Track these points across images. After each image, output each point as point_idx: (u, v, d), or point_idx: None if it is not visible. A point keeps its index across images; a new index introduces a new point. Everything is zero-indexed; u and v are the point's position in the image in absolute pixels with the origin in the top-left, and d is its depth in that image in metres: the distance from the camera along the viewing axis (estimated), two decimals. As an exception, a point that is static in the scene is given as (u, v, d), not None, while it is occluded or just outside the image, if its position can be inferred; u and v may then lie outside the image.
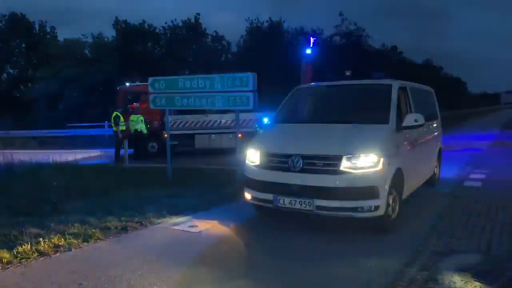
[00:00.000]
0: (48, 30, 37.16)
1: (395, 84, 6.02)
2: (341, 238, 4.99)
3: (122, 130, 12.99)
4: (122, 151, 12.72)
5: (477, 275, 3.85)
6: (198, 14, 36.61)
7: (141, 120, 13.44)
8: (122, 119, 13.07)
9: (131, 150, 13.43)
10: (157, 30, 36.17)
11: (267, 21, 37.25)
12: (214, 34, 37.23)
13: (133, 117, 13.40)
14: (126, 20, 34.96)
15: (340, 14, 35.32)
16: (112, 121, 13.18)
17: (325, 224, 5.37)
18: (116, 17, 34.77)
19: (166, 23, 36.06)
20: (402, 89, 6.19)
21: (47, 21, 36.99)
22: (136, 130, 13.35)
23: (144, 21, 35.57)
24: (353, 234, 5.09)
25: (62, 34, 37.97)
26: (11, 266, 4.21)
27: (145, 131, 13.53)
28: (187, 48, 33.93)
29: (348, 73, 6.63)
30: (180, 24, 36.23)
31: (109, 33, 35.62)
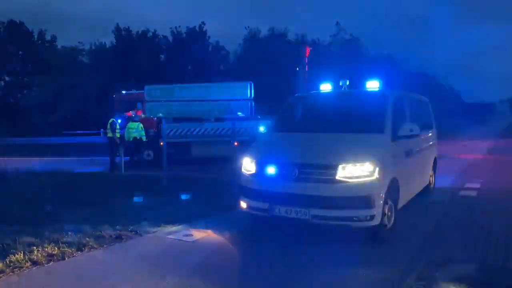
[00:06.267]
0: (49, 38, 37.28)
1: (391, 94, 6.05)
2: (337, 247, 4.98)
3: (118, 137, 12.94)
4: (117, 159, 12.68)
5: (473, 285, 3.84)
6: (204, 23, 36.74)
7: (141, 128, 13.44)
8: (118, 126, 13.04)
9: (127, 158, 13.39)
10: (158, 39, 36.27)
11: (269, 30, 37.47)
12: (214, 43, 37.47)
13: (132, 124, 13.37)
14: (128, 27, 35.13)
15: (337, 24, 35.65)
16: (109, 127, 13.15)
17: (320, 233, 5.36)
18: (117, 24, 34.90)
19: (171, 28, 36.17)
20: (398, 98, 6.23)
21: (47, 29, 37.14)
22: (135, 138, 13.33)
23: (148, 29, 35.73)
24: (349, 244, 5.08)
25: (62, 42, 38.05)
26: (4, 275, 4.15)
27: (144, 138, 13.53)
28: (189, 57, 34.04)
29: (343, 82, 6.67)
30: (184, 32, 36.33)
31: (108, 40, 35.74)
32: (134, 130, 13.28)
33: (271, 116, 6.85)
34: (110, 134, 13.09)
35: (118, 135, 13.00)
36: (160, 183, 9.15)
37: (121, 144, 12.66)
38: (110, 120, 13.10)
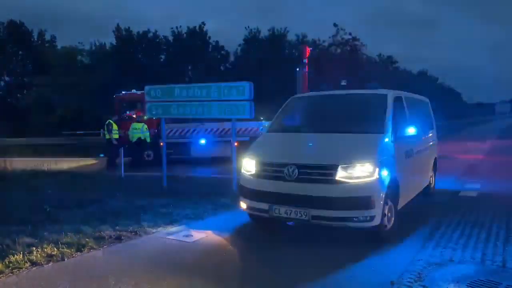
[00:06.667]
0: (48, 38, 37.27)
1: (391, 94, 6.05)
2: (337, 248, 4.97)
3: (116, 138, 12.91)
4: (117, 159, 12.69)
5: (472, 286, 3.84)
6: (204, 23, 36.72)
7: (146, 129, 13.45)
8: (115, 126, 13.02)
9: (129, 158, 13.39)
10: (159, 39, 36.22)
11: (269, 30, 37.45)
12: (214, 43, 37.46)
13: (136, 125, 13.37)
14: (129, 28, 35.10)
15: (335, 25, 35.64)
16: (105, 128, 13.17)
17: (320, 234, 5.36)
18: (118, 24, 34.88)
19: (172, 28, 36.14)
20: (398, 98, 6.22)
21: (46, 29, 37.13)
22: (139, 138, 13.33)
23: (149, 30, 35.73)
24: (349, 244, 5.07)
25: (61, 42, 38.02)
26: (3, 276, 4.15)
27: (148, 139, 13.54)
28: (189, 57, 34.03)
29: (343, 82, 6.67)
30: (184, 32, 36.29)
31: (108, 41, 35.72)
32: (138, 131, 13.30)
33: (272, 116, 6.84)
34: (107, 136, 13.09)
35: (116, 136, 12.98)
36: (160, 183, 9.14)
37: (118, 145, 12.65)
38: (107, 122, 13.10)
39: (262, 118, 14.02)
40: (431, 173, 7.94)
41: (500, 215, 6.39)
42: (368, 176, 4.85)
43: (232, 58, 38.66)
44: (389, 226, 5.18)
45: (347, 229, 5.06)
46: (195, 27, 36.63)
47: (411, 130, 5.76)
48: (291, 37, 37.75)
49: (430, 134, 8.02)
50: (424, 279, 4.00)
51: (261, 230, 5.80)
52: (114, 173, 11.76)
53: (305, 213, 4.88)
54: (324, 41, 36.51)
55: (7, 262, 4.38)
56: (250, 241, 5.43)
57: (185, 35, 36.52)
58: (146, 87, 9.28)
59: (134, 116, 14.42)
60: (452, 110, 57.29)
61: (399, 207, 5.59)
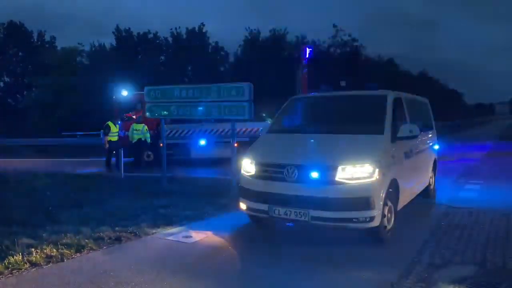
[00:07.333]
0: (48, 39, 37.30)
1: (390, 95, 6.05)
2: (336, 249, 4.96)
3: (110, 140, 12.83)
4: (113, 160, 12.70)
5: (472, 287, 3.84)
6: (203, 24, 36.75)
7: (146, 130, 13.44)
8: (113, 129, 12.98)
9: (129, 159, 13.38)
10: (159, 40, 36.25)
11: (270, 31, 37.45)
12: (214, 44, 37.49)
13: (137, 126, 13.36)
14: (129, 28, 35.15)
15: (334, 26, 35.71)
16: (103, 130, 13.17)
17: (320, 235, 5.35)
18: (117, 25, 34.93)
19: (171, 29, 36.16)
20: (397, 99, 6.22)
21: (46, 30, 37.18)
22: (139, 139, 13.33)
23: (149, 31, 35.79)
24: (348, 245, 5.06)
25: (61, 43, 38.06)
26: (2, 277, 4.14)
27: (149, 140, 13.54)
28: (188, 58, 34.04)
29: (343, 83, 6.66)
30: (184, 32, 36.32)
31: (108, 41, 35.76)
32: (139, 132, 13.30)
33: (272, 117, 6.85)
34: (108, 138, 13.05)
35: (114, 138, 12.93)
36: (159, 184, 9.14)
37: (115, 147, 12.64)
38: (105, 124, 13.09)
39: (263, 115, 14.01)
40: (430, 174, 7.93)
41: (500, 216, 6.39)
42: (367, 177, 4.84)
43: (232, 59, 38.67)
44: (389, 227, 5.18)
45: (346, 230, 5.05)
46: (194, 28, 36.67)
47: (411, 131, 5.76)
48: (290, 38, 37.76)
49: (430, 135, 8.01)
50: (424, 280, 4.00)
51: (260, 231, 5.80)
52: (114, 174, 11.76)
53: (304, 214, 4.87)
54: (324, 42, 36.56)
55: (6, 263, 4.37)
56: (249, 242, 5.42)
57: (184, 36, 36.52)
58: (146, 88, 9.28)
59: (134, 116, 14.41)
60: (452, 110, 57.19)
61: (398, 207, 5.58)
